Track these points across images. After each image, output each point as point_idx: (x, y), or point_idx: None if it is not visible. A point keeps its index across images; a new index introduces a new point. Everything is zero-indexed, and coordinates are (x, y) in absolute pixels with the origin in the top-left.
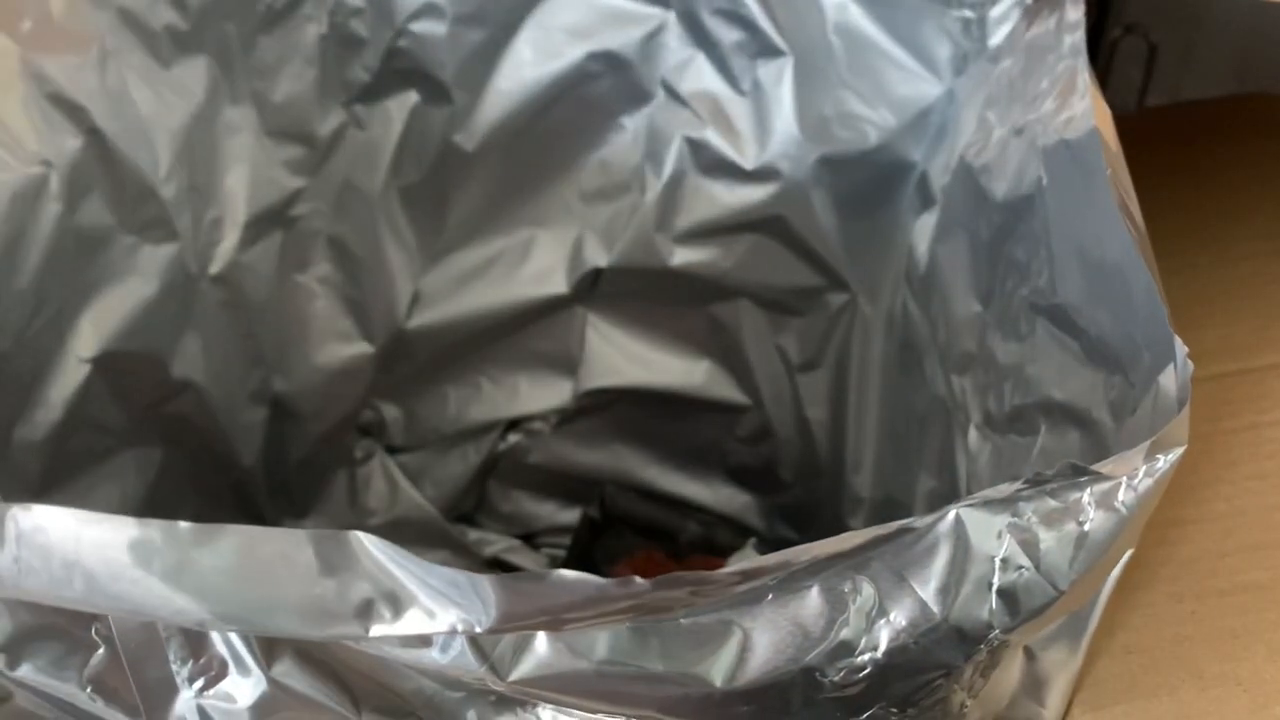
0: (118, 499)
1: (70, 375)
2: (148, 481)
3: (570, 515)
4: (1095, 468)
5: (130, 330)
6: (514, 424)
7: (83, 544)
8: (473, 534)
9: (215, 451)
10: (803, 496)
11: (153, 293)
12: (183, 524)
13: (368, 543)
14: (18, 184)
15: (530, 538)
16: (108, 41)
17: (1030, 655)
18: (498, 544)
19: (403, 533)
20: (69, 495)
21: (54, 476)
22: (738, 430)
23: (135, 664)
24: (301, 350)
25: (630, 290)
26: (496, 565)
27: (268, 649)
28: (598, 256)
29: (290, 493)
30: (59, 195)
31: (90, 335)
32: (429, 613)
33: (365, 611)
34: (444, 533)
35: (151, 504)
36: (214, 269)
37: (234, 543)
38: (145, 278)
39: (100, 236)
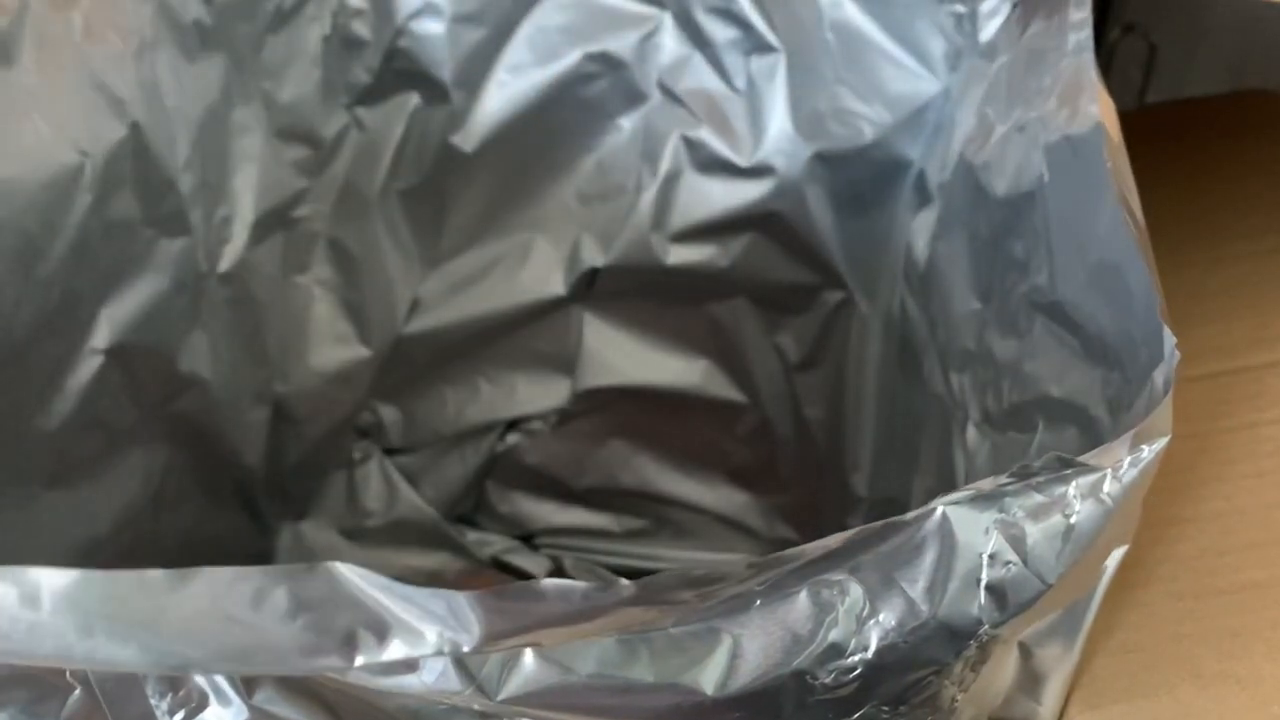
0: (126, 496)
1: (85, 366)
2: (155, 479)
3: (569, 516)
4: (1080, 459)
5: (142, 323)
6: (512, 425)
7: (50, 603)
8: (472, 535)
9: (220, 450)
10: (802, 496)
11: (164, 287)
12: (153, 571)
13: (345, 571)
14: (52, 172)
15: (529, 538)
16: (146, 33)
17: (1026, 652)
18: (496, 545)
19: (401, 534)
20: (77, 491)
21: (63, 471)
22: (736, 429)
23: (113, 703)
24: (300, 353)
25: (627, 290)
26: (496, 566)
27: (248, 678)
28: (594, 257)
29: (289, 493)
30: (91, 185)
31: (105, 327)
32: (414, 637)
33: (348, 642)
34: (443, 534)
35: (158, 502)
36: (222, 267)
37: (208, 586)
38: (159, 272)
39: (125, 228)
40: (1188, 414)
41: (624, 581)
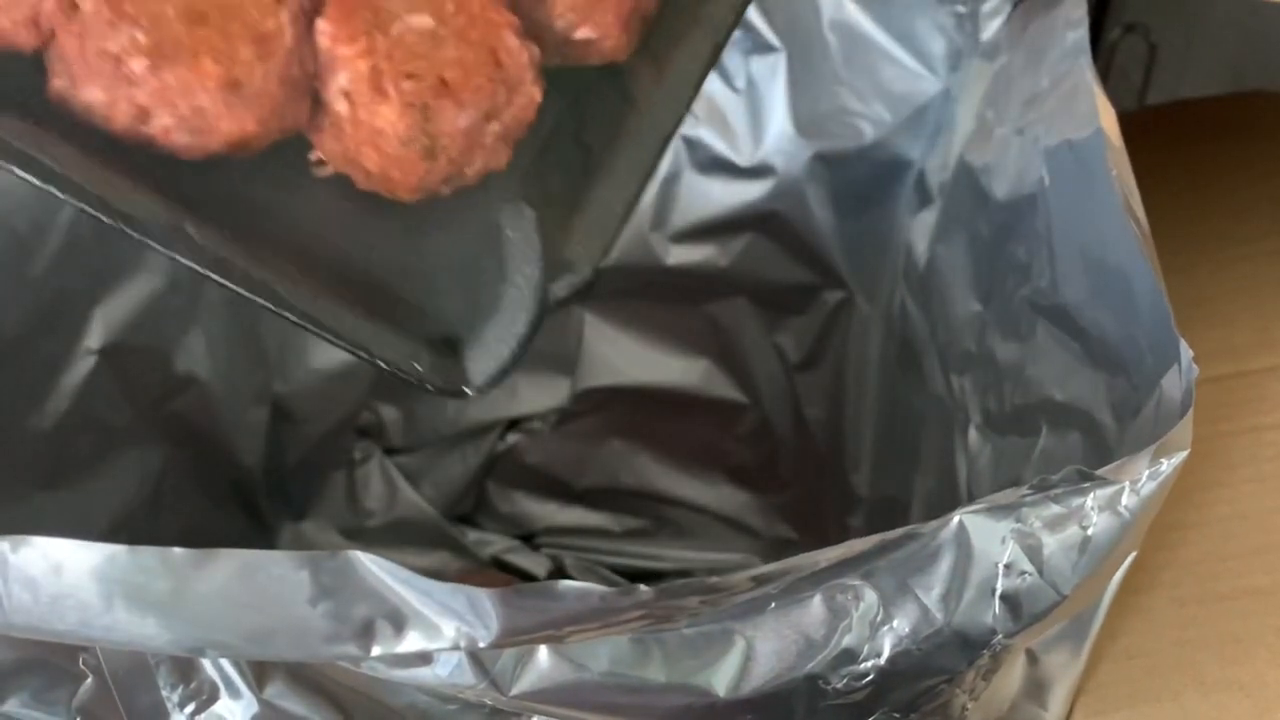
0: (123, 497)
1: (79, 366)
2: (152, 480)
3: (570, 515)
4: (1099, 473)
5: (136, 323)
6: (513, 424)
7: (74, 575)
8: (472, 534)
9: (218, 451)
10: (802, 495)
11: (159, 287)
12: (177, 550)
13: (367, 561)
14: None
15: (530, 538)
16: None
17: (1033, 658)
18: (497, 544)
19: (402, 533)
20: (73, 492)
21: (59, 471)
22: (736, 429)
23: (125, 692)
24: (300, 352)
25: (627, 290)
26: (496, 566)
27: (259, 671)
28: None
29: (289, 493)
30: None
31: (99, 326)
32: (431, 630)
33: (366, 631)
34: (443, 533)
35: (155, 502)
36: None
37: (230, 567)
38: (154, 271)
39: (118, 228)
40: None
41: (642, 587)
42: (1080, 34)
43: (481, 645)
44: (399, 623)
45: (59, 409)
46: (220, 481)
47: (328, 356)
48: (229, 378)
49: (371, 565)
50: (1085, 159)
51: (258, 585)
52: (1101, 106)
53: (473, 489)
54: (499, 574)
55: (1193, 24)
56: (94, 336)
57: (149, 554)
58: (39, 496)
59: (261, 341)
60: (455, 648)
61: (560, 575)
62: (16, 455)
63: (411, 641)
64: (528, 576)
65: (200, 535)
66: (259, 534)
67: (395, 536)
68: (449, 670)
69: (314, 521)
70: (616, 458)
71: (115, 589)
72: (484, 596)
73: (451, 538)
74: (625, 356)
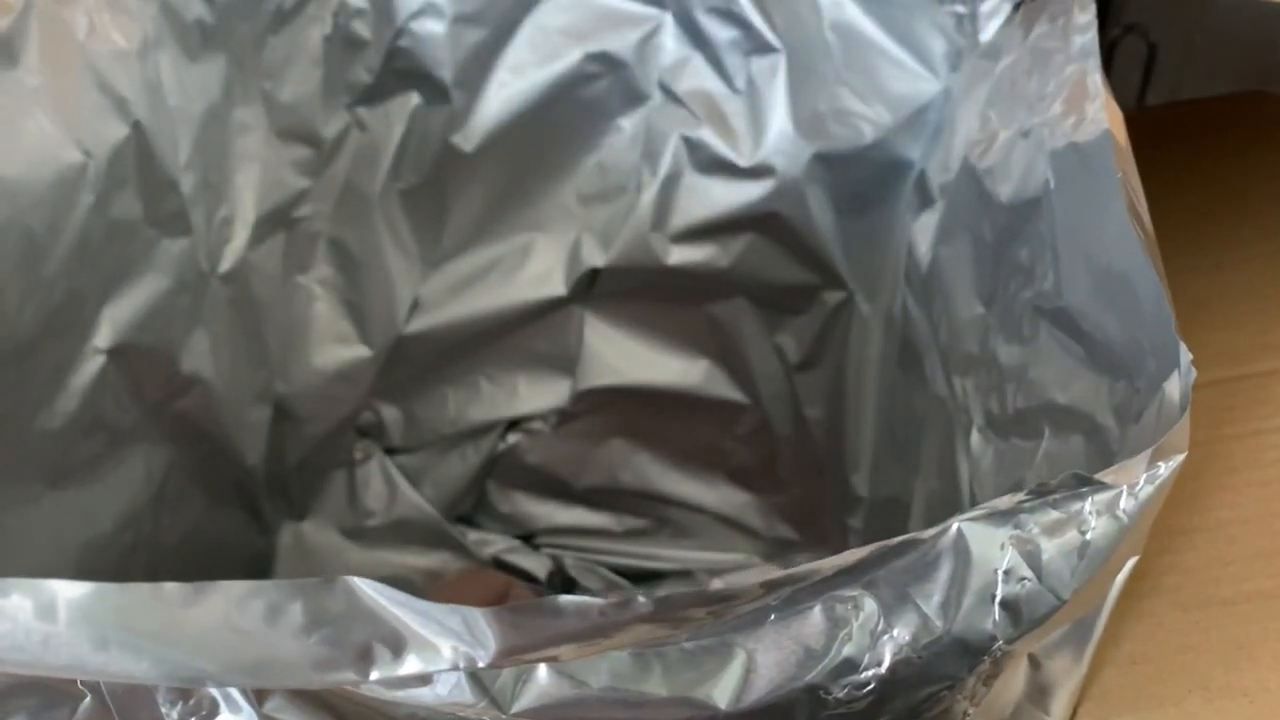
0: (128, 496)
1: (87, 366)
2: (157, 479)
3: (570, 515)
4: (1098, 477)
5: (143, 323)
6: (513, 424)
7: (65, 615)
8: (472, 534)
9: (221, 450)
10: (802, 496)
11: (166, 287)
12: (169, 585)
13: (360, 585)
14: (56, 171)
15: (530, 538)
16: (149, 32)
17: (1035, 663)
18: (497, 544)
19: (402, 533)
20: (79, 491)
21: (66, 471)
22: (736, 429)
23: (124, 710)
24: (302, 352)
25: (627, 290)
26: (497, 566)
27: (259, 687)
28: (595, 257)
29: (290, 493)
30: (93, 185)
31: (107, 326)
32: (429, 651)
33: (364, 656)
34: (443, 533)
35: (159, 502)
36: (224, 267)
37: (223, 601)
38: (160, 272)
39: (127, 228)
40: (1191, 421)
41: (640, 598)
42: (1089, 38)
43: (480, 665)
44: (397, 646)
45: (67, 408)
46: (222, 481)
47: (329, 357)
48: (232, 378)
49: (366, 589)
50: (1091, 162)
51: (250, 617)
52: (1109, 110)
53: (473, 489)
54: (498, 575)
55: (1193, 24)
56: (103, 337)
57: (140, 590)
58: (46, 495)
59: (264, 342)
60: (454, 668)
61: (560, 575)
62: (25, 455)
63: (410, 664)
64: (528, 576)
65: (202, 534)
66: (260, 533)
67: (395, 536)
68: (448, 690)
69: (314, 521)
70: (616, 458)
71: (108, 626)
72: (480, 616)
73: (452, 538)
74: (625, 356)
